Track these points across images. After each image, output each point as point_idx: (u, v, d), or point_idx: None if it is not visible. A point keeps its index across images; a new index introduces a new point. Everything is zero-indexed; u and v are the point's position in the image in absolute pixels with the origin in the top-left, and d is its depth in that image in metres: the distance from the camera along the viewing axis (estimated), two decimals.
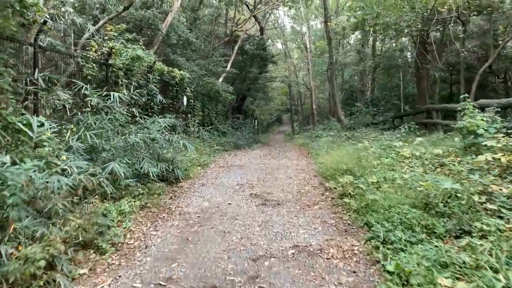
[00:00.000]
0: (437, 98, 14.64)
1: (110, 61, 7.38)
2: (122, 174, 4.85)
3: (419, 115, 13.58)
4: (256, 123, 30.58)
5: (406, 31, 11.42)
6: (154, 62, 9.22)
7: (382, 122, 15.81)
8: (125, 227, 4.37)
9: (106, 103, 5.85)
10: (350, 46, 36.18)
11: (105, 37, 8.41)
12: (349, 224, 4.61)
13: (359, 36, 37.91)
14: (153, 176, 5.55)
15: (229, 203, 5.65)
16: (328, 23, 20.93)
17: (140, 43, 9.24)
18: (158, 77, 9.69)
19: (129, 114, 6.38)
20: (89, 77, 6.63)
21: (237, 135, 16.71)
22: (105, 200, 4.74)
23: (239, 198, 6.00)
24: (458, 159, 5.86)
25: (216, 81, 15.29)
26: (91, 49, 6.96)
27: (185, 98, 12.12)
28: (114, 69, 7.49)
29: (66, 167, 3.70)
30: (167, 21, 10.89)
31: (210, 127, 15.13)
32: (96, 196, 4.65)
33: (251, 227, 4.52)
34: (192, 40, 13.21)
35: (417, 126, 10.62)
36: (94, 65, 7.02)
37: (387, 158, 7.06)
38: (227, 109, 18.69)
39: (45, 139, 4.40)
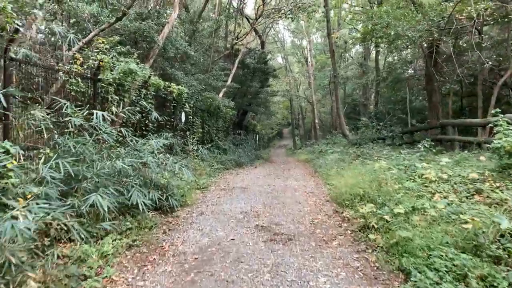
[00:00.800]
0: (450, 113, 13.87)
1: (99, 76, 6.67)
2: (106, 208, 4.06)
3: (431, 131, 12.85)
4: (257, 138, 29.90)
5: (419, 41, 10.75)
6: (149, 77, 8.53)
7: (390, 137, 15.05)
8: (106, 276, 3.56)
9: (91, 122, 5.12)
10: (352, 59, 35.71)
11: (96, 50, 7.74)
12: (377, 268, 3.80)
13: (360, 50, 37.67)
14: (142, 207, 4.75)
15: (232, 239, 4.83)
16: (331, 35, 20.37)
17: (134, 56, 8.57)
18: (153, 93, 8.99)
19: (120, 135, 5.62)
20: (73, 93, 5.90)
21: (239, 152, 15.96)
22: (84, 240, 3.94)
23: (244, 231, 5.18)
24: (497, 184, 5.08)
25: (216, 96, 14.63)
26: (75, 62, 6.25)
27: (183, 115, 11.42)
28: (103, 85, 6.77)
29: (17, 212, 2.89)
30: (164, 33, 10.25)
31: (210, 144, 14.40)
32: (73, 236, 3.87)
33: (260, 273, 3.71)
34: (190, 54, 12.56)
35: (432, 143, 9.87)
36: (80, 80, 6.31)
37: (408, 181, 6.28)
38: (228, 125, 17.97)
39: (12, 168, 3.66)
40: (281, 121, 58.36)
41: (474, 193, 5.04)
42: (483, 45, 10.45)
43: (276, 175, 11.59)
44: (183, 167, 5.99)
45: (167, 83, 9.81)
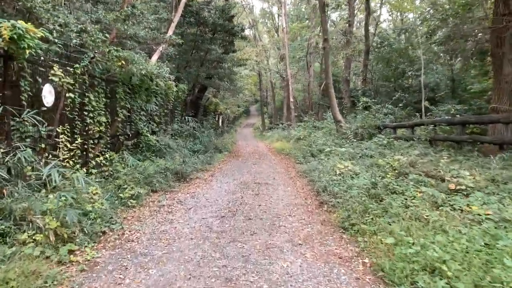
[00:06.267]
0: None
1: None
2: None
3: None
4: (220, 121, 23.86)
5: None
6: None
7: (428, 128, 9.50)
8: None
9: None
10: (335, 27, 29.89)
11: None
12: None
13: (338, 18, 32.03)
14: None
15: None
16: None
17: None
18: None
19: None
20: None
21: (183, 152, 9.77)
22: None
23: None
24: None
25: (142, 58, 8.30)
26: None
27: (47, 90, 5.31)
28: None
29: None
30: None
31: (133, 141, 8.37)
32: None
33: None
34: None
35: None
36: None
37: None
38: (172, 107, 11.80)
39: None
40: (249, 97, 52.46)
41: None
42: None
43: (247, 215, 5.77)
44: None
45: None
